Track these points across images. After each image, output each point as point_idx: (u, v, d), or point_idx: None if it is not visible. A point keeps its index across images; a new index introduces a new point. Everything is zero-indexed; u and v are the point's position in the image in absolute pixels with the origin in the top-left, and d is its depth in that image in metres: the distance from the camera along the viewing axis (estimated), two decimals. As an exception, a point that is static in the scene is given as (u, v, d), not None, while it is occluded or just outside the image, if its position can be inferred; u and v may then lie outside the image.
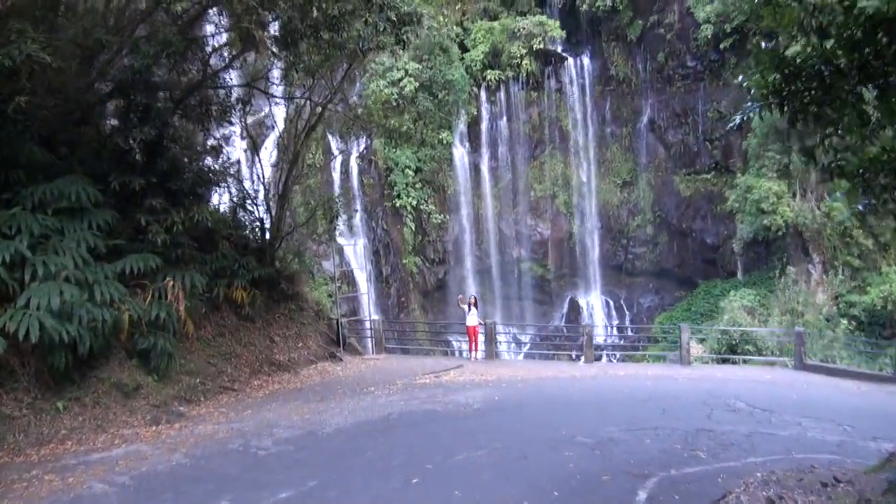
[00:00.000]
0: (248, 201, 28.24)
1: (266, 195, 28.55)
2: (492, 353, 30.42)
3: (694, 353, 32.80)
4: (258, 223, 28.36)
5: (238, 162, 29.46)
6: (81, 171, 21.44)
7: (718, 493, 12.38)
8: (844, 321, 38.80)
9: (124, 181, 22.29)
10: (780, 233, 46.75)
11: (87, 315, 18.60)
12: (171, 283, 21.76)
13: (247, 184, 29.04)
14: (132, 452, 16.45)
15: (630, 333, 54.85)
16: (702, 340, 36.40)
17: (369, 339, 32.67)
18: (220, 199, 28.30)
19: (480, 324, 30.67)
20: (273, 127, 54.28)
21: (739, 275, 53.76)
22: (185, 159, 25.54)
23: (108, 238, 21.07)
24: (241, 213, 28.34)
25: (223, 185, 27.54)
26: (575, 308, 57.63)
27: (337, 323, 29.75)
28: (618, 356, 42.39)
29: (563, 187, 58.45)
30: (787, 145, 46.60)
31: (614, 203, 58.02)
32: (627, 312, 56.27)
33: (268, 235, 28.35)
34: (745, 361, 31.56)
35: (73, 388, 19.02)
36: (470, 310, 30.41)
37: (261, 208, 28.31)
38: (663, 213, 57.20)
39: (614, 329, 55.99)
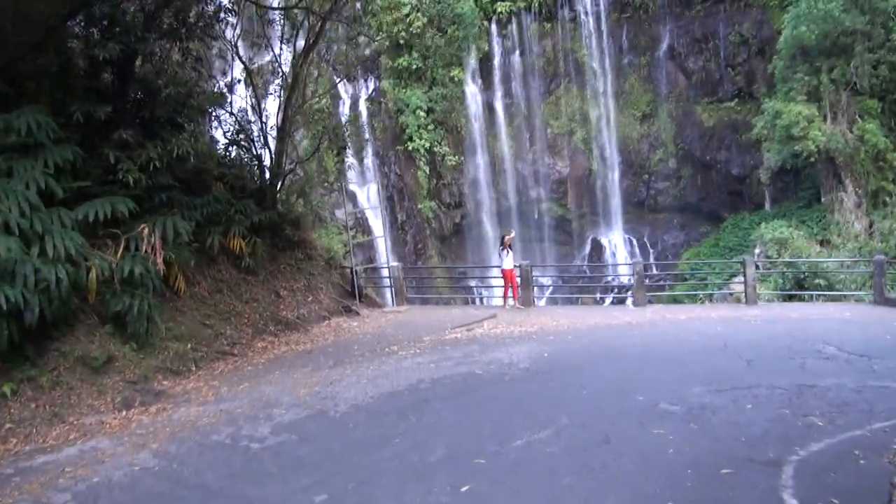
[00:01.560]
0: (243, 135, 23.35)
1: (264, 128, 23.63)
2: (528, 299, 25.62)
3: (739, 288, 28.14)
4: (256, 161, 23.53)
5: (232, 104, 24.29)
6: (45, 102, 17.22)
7: (871, 482, 9.47)
8: None
9: (89, 111, 17.56)
10: (811, 160, 42.40)
11: (34, 274, 13.87)
12: (146, 230, 16.95)
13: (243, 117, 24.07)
14: (88, 452, 12.26)
15: (655, 272, 50.22)
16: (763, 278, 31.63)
17: (388, 290, 27.75)
18: (212, 132, 23.50)
19: (515, 266, 25.85)
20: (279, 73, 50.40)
21: (767, 206, 49.60)
22: (161, 82, 20.53)
23: (70, 179, 16.82)
24: (237, 151, 23.49)
25: (211, 112, 22.67)
26: (597, 248, 53.23)
27: (351, 272, 25.07)
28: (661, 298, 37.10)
29: (581, 123, 53.46)
30: (816, 65, 42.75)
31: (634, 137, 53.08)
32: (651, 250, 51.84)
33: (267, 175, 23.51)
34: (816, 297, 26.68)
35: (24, 365, 14.77)
36: (506, 251, 25.59)
37: (258, 144, 23.43)
38: (686, 145, 52.29)
39: (652, 268, 51.11)
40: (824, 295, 26.75)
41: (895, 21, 40.73)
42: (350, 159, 48.18)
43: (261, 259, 22.49)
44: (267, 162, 23.93)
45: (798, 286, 27.45)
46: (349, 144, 26.33)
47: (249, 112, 24.17)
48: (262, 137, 23.67)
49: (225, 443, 12.12)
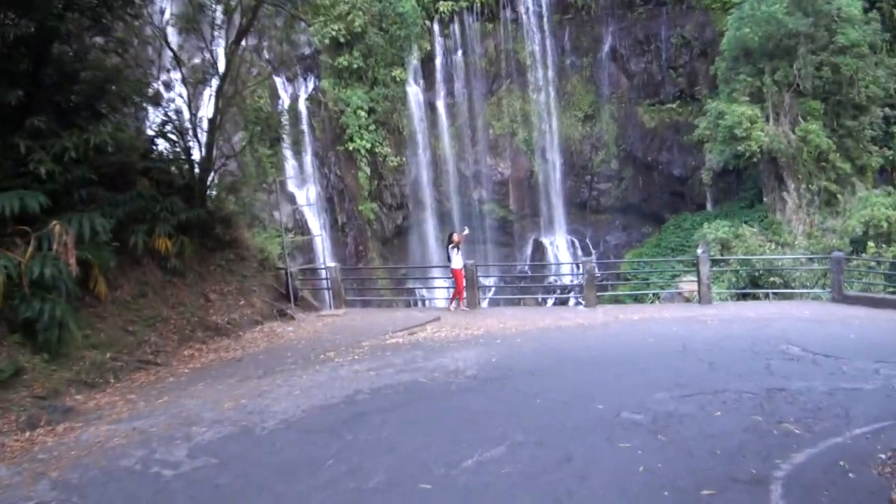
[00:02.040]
0: (171, 127, 21.43)
1: (193, 120, 21.72)
2: (474, 301, 23.99)
3: (692, 287, 26.91)
4: (185, 155, 21.63)
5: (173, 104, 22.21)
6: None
7: (867, 498, 8.53)
8: (872, 244, 32.95)
9: (-5, 94, 15.63)
10: (754, 160, 41.82)
11: (-84, 276, 11.95)
12: (58, 227, 15.05)
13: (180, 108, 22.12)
14: (-24, 483, 10.26)
15: (597, 273, 48.81)
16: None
17: (326, 292, 25.85)
18: (139, 124, 21.56)
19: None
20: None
21: (709, 206, 49.03)
22: (79, 66, 18.60)
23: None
24: (164, 144, 21.58)
25: (139, 102, 20.74)
26: (539, 249, 52.07)
27: (286, 273, 23.19)
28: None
29: (523, 124, 52.26)
30: (759, 67, 42.20)
31: (576, 138, 52.01)
32: (594, 251, 50.53)
33: (197, 170, 21.62)
34: (772, 296, 25.41)
35: (-88, 382, 12.53)
36: (456, 250, 23.98)
37: (187, 137, 21.54)
38: (627, 146, 51.41)
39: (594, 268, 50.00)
40: (780, 293, 25.52)
41: (838, 24, 40.29)
42: (288, 155, 46.57)
43: (189, 260, 20.74)
44: (197, 156, 21.98)
45: (752, 284, 26.21)
46: (284, 136, 24.35)
47: (179, 103, 22.19)
48: (191, 130, 21.72)
49: (134, 469, 10.43)
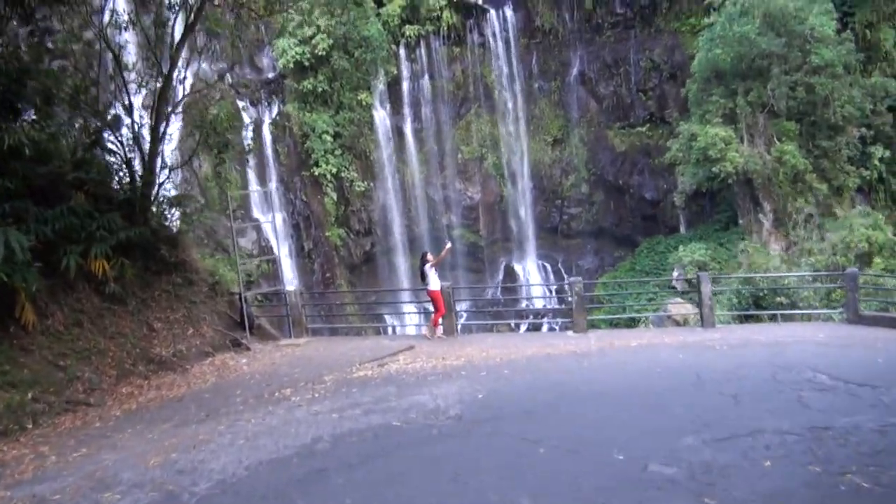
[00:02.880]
0: (108, 134, 18.30)
1: (134, 127, 18.56)
2: (451, 327, 20.93)
3: (683, 310, 24.03)
4: (125, 166, 18.48)
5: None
6: None
7: None
8: (879, 260, 30.39)
9: None
10: (730, 181, 39.61)
11: None
12: (-42, 247, 12.01)
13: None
14: None
15: (569, 298, 46.32)
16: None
17: (286, 319, 22.55)
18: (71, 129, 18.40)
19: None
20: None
21: (683, 229, 46.81)
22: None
23: None
24: (100, 153, 18.40)
25: (64, 100, 17.61)
26: (511, 274, 49.43)
27: (240, 299, 20.01)
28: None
29: (492, 148, 49.84)
30: (731, 88, 40.23)
31: (546, 162, 49.76)
32: (566, 276, 47.73)
33: (139, 183, 18.48)
34: (779, 318, 22.45)
35: None
36: (434, 270, 20.98)
37: (127, 146, 18.40)
38: (598, 170, 49.08)
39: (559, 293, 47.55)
40: (787, 314, 22.64)
41: (812, 44, 38.40)
42: (252, 180, 43.86)
43: (130, 285, 17.73)
44: (139, 168, 18.83)
45: (755, 305, 23.36)
46: (231, 144, 21.19)
47: (120, 109, 19.04)
48: (132, 138, 18.59)
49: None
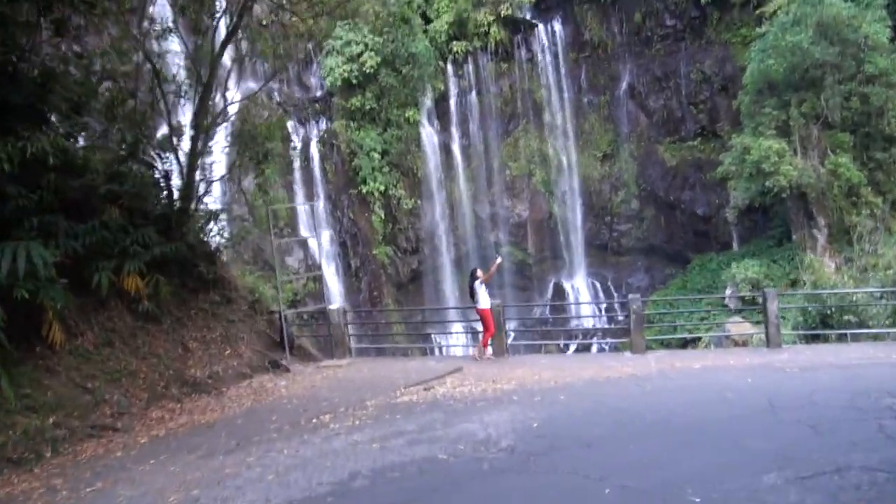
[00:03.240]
0: (145, 145, 17.29)
1: (173, 139, 17.51)
2: (501, 347, 19.51)
3: (742, 329, 22.34)
4: (162, 179, 17.43)
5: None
6: None
7: None
8: None
9: None
10: (784, 195, 37.66)
11: None
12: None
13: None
14: None
15: (620, 317, 44.89)
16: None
17: (329, 339, 21.20)
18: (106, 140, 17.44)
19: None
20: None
21: (735, 246, 44.78)
22: (15, 56, 14.59)
23: None
24: (136, 166, 17.36)
25: (99, 111, 16.65)
26: (560, 292, 47.87)
27: (280, 318, 18.79)
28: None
29: (541, 164, 48.29)
30: (784, 99, 38.13)
31: (595, 178, 48.11)
32: (615, 294, 46.38)
33: (177, 197, 17.41)
34: (849, 337, 20.61)
35: None
36: (483, 286, 19.65)
37: (164, 158, 17.37)
38: (648, 185, 47.41)
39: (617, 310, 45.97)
40: (857, 334, 20.81)
41: (866, 52, 36.57)
42: (300, 198, 43.10)
43: (165, 303, 16.82)
44: (177, 182, 17.78)
45: (823, 324, 21.55)
46: (272, 155, 20.05)
47: (160, 122, 18.03)
48: (171, 150, 17.54)
49: None
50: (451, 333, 39.00)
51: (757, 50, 38.85)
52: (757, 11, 40.40)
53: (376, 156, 43.81)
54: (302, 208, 43.85)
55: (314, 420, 12.97)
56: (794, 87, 38.04)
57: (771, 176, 36.49)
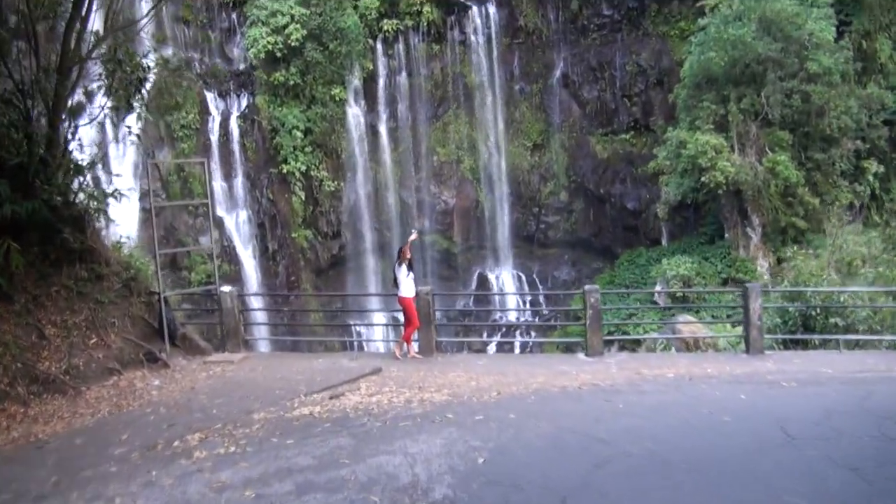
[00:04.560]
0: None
1: (38, 71, 13.32)
2: (429, 344, 15.82)
3: (694, 329, 19.16)
4: (20, 120, 13.28)
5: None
6: None
7: None
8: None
9: None
10: (719, 192, 35.24)
11: None
12: None
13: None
14: None
15: (545, 311, 42.03)
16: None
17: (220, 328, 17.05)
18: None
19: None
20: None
21: (665, 242, 42.14)
22: None
23: None
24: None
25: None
26: (484, 283, 44.58)
27: (159, 300, 14.73)
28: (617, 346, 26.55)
29: (469, 151, 44.88)
30: (723, 94, 35.77)
31: (525, 168, 44.84)
32: (541, 287, 43.47)
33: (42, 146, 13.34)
34: (842, 344, 17.23)
35: None
36: (403, 268, 16.00)
37: (28, 96, 13.26)
38: (578, 177, 44.30)
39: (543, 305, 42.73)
40: (846, 340, 17.51)
41: (809, 50, 34.38)
42: (217, 176, 39.15)
43: (18, 276, 12.50)
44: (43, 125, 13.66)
45: (804, 327, 18.29)
46: (144, 94, 15.81)
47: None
48: (32, 85, 13.38)
49: None
50: (372, 326, 35.18)
51: (697, 42, 36.53)
52: (698, 3, 37.72)
53: (299, 134, 40.10)
54: (219, 184, 39.85)
55: (176, 443, 9.27)
56: (734, 81, 35.79)
57: (707, 172, 34.23)
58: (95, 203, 15.04)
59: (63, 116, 14.31)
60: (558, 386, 12.46)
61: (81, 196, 14.86)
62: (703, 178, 34.20)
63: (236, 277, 38.38)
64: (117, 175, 21.84)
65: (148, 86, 17.04)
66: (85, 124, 15.52)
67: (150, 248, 37.36)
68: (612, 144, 43.49)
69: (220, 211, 39.69)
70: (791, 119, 35.34)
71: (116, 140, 38.17)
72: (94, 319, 13.96)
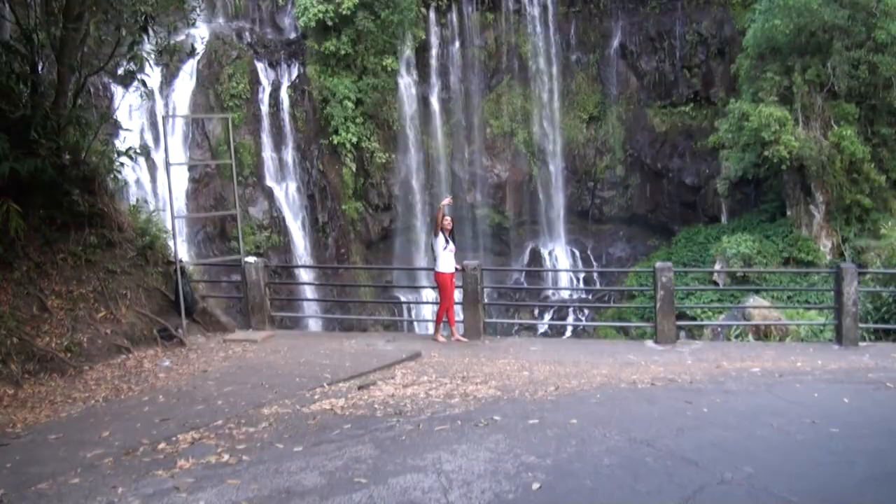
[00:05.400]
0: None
1: (47, 19, 11.52)
2: (477, 325, 13.76)
3: (765, 315, 16.79)
4: (22, 70, 11.49)
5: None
6: None
7: None
8: None
9: None
10: (783, 166, 32.63)
11: None
12: None
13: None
14: None
15: (599, 286, 39.78)
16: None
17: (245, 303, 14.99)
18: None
19: (458, 270, 14.22)
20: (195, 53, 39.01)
21: (724, 219, 39.42)
22: None
23: None
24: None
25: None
26: (537, 259, 42.46)
27: (176, 272, 12.88)
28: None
29: (523, 123, 42.49)
30: (788, 65, 33.22)
31: (580, 141, 42.42)
32: (595, 264, 41.70)
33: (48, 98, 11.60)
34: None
35: None
36: (440, 239, 13.98)
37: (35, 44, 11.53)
38: (635, 151, 41.88)
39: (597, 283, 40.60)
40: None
41: (878, 18, 31.89)
42: (267, 146, 37.76)
43: (19, 242, 10.67)
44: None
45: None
46: (150, 23, 13.72)
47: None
48: (36, 30, 11.59)
49: None
50: (421, 304, 33.26)
51: (761, 9, 33.93)
52: (763, -30, 34.85)
53: (350, 105, 38.34)
54: (269, 155, 38.33)
55: (162, 444, 7.49)
56: (798, 51, 33.42)
57: (770, 146, 31.86)
58: (108, 163, 13.24)
59: (75, 67, 12.50)
60: (627, 381, 10.44)
61: (93, 155, 13.11)
62: (765, 153, 32.00)
63: (285, 248, 37.50)
64: (128, 130, 19.82)
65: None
66: (91, 74, 13.60)
67: (196, 219, 36.91)
68: (671, 117, 40.95)
69: (270, 182, 38.66)
70: (857, 91, 32.99)
71: (166, 106, 37.00)
72: (104, 291, 12.31)
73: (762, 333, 16.65)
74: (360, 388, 9.85)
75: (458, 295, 14.47)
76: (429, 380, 10.47)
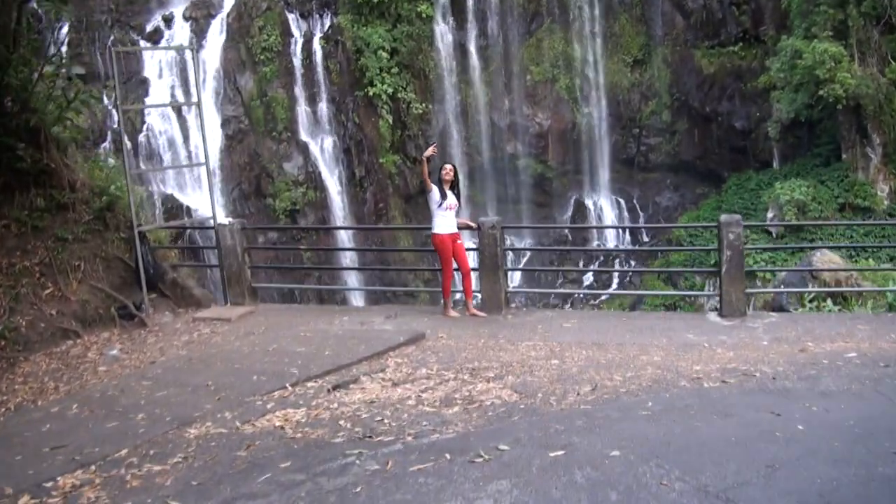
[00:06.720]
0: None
1: None
2: (496, 296, 11.13)
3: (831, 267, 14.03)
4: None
5: None
6: None
7: None
8: None
9: None
10: (838, 106, 30.18)
11: None
12: None
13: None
14: None
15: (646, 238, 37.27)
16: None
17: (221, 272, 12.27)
18: None
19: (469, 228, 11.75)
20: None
21: (776, 164, 36.64)
22: None
23: None
24: None
25: None
26: (581, 210, 40.10)
27: (136, 238, 10.47)
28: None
29: (565, 69, 39.74)
30: None
31: (624, 86, 39.69)
32: (641, 214, 39.61)
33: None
34: None
35: None
36: (434, 194, 11.38)
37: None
38: (682, 95, 38.93)
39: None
40: None
41: None
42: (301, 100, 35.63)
43: None
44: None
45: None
46: None
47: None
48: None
49: None
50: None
51: (814, -62, 31.59)
52: None
53: (384, 55, 36.33)
54: (303, 108, 36.09)
55: (24, 500, 4.88)
56: (853, -19, 31.30)
57: (825, 84, 29.27)
58: (58, 112, 10.82)
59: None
60: (687, 375, 7.67)
61: (46, 109, 10.70)
62: (819, 92, 29.55)
63: (322, 204, 35.97)
64: (78, 73, 17.10)
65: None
66: (25, 1, 11.18)
67: (230, 177, 34.81)
68: (719, 58, 37.97)
69: (305, 136, 36.98)
70: (915, 26, 31.08)
71: (196, 67, 34.95)
72: (52, 262, 10.14)
73: (841, 297, 13.72)
74: (334, 388, 7.44)
75: (472, 260, 11.86)
76: (427, 374, 7.97)
